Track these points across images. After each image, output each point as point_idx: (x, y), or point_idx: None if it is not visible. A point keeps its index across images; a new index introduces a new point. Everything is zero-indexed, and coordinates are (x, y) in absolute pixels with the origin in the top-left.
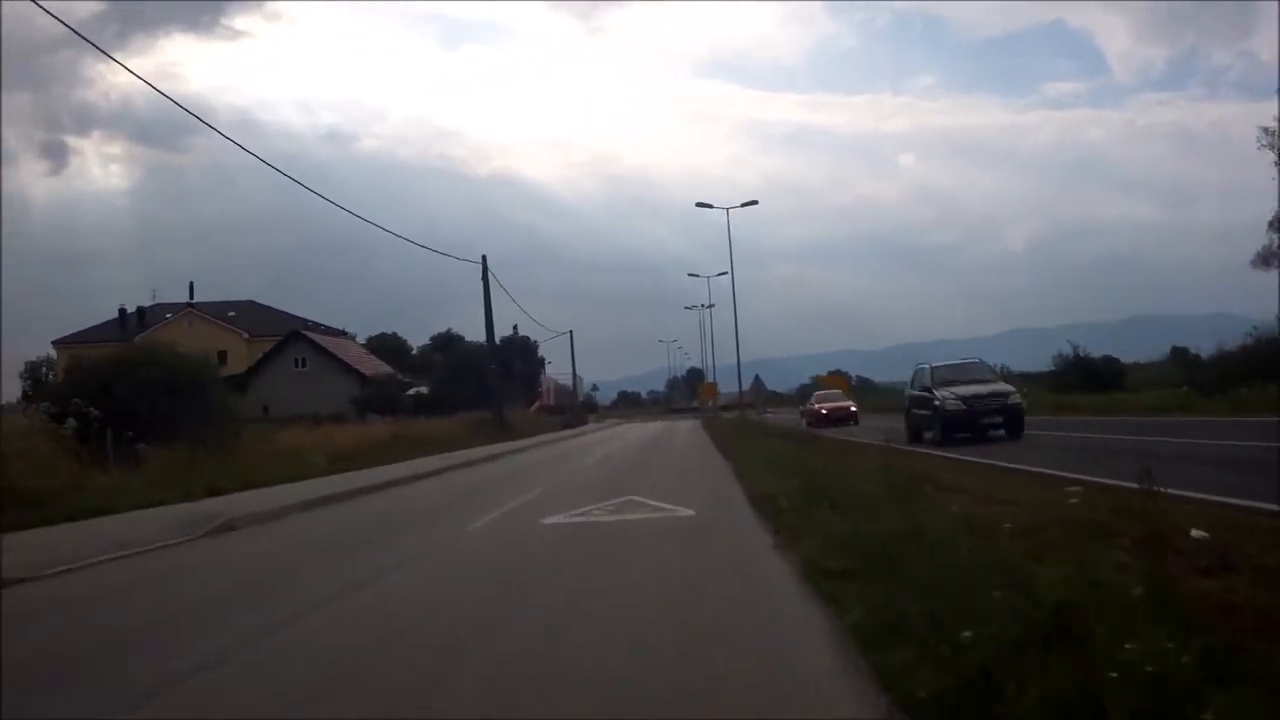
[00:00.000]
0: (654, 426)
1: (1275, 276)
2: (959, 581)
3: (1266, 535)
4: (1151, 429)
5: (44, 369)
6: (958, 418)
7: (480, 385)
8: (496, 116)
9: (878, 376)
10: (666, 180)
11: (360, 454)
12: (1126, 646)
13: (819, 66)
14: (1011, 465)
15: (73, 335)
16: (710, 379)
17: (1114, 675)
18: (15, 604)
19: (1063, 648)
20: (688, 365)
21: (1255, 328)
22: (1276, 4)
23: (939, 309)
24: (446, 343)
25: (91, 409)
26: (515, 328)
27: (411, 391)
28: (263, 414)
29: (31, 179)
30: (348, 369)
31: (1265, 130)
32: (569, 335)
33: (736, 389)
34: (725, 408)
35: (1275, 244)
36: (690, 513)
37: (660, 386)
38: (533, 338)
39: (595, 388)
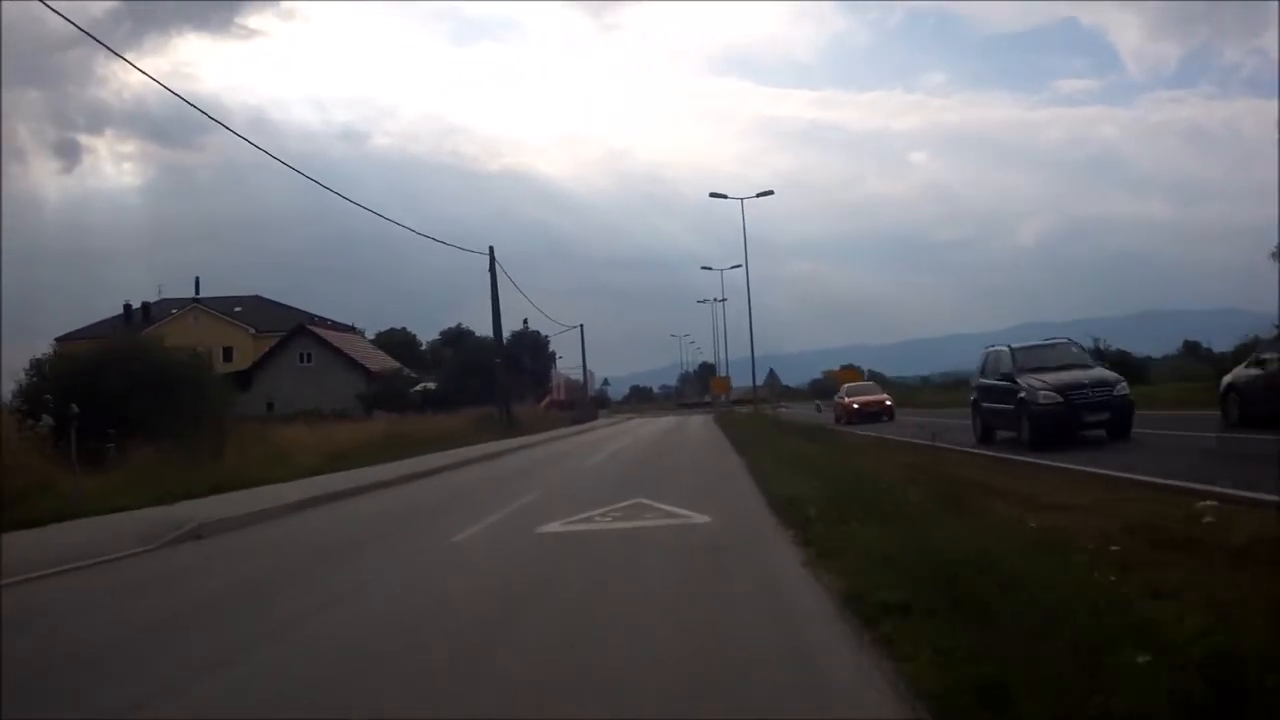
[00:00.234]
0: (665, 421)
1: None
2: (1063, 626)
3: None
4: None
5: (47, 367)
6: (1053, 415)
7: (489, 381)
8: (508, 113)
9: (889, 371)
10: (679, 177)
11: (357, 452)
12: None
13: (831, 64)
14: (1088, 469)
15: (77, 332)
16: (722, 373)
17: None
18: None
19: None
20: (700, 360)
21: None
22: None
23: (950, 304)
24: (456, 338)
25: (72, 405)
26: (525, 322)
27: (419, 387)
28: (267, 410)
29: (44, 177)
30: (354, 364)
31: None
32: (579, 329)
33: (749, 383)
34: (738, 402)
35: None
36: (705, 519)
37: (672, 381)
38: (543, 332)
39: (606, 382)
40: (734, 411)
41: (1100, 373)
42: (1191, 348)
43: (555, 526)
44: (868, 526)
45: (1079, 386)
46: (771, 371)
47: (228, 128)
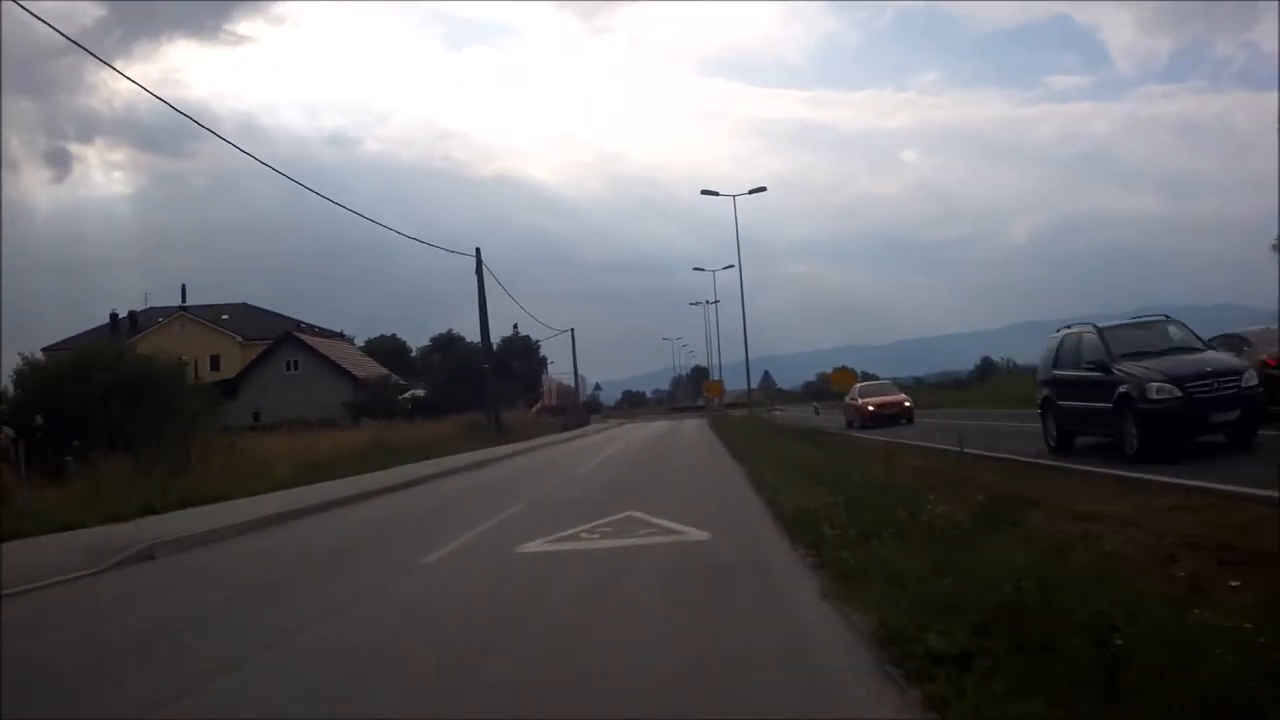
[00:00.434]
0: (657, 426)
1: None
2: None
3: None
4: None
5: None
6: (1170, 414)
7: (478, 387)
8: (501, 118)
9: (883, 372)
10: (672, 179)
11: (337, 463)
12: None
13: (822, 64)
14: (1154, 477)
15: (63, 341)
16: (715, 377)
17: None
18: None
19: None
20: (693, 363)
21: None
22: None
23: (943, 304)
24: (447, 344)
25: (36, 416)
26: (515, 327)
27: (407, 394)
28: (254, 420)
29: (35, 187)
30: (341, 372)
31: None
32: (570, 333)
33: (742, 386)
34: (731, 406)
35: None
36: (703, 536)
37: (665, 385)
38: (534, 337)
39: (598, 387)
40: (728, 415)
41: (1221, 358)
42: None
43: (537, 545)
44: (895, 546)
45: (1201, 376)
46: (766, 374)
47: (217, 134)
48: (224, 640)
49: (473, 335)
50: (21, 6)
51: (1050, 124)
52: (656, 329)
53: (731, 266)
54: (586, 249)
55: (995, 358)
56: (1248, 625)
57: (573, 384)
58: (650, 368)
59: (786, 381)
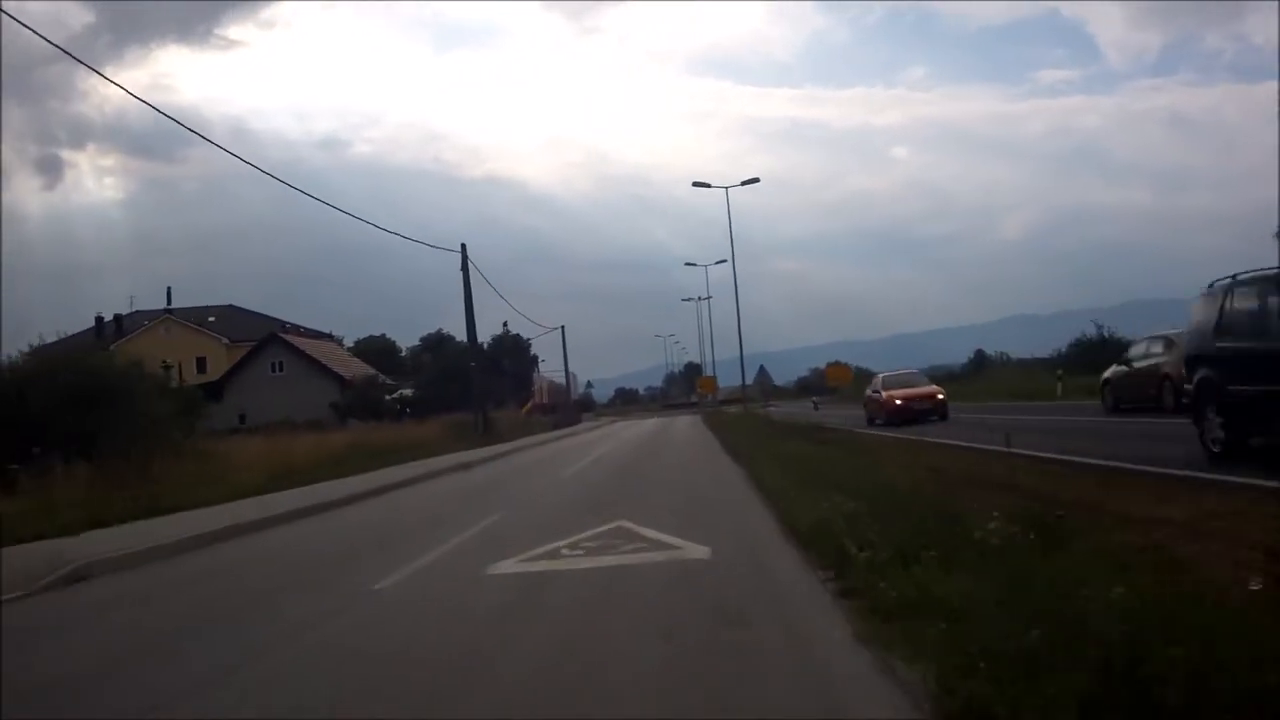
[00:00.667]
0: (651, 423)
1: None
2: None
3: None
4: None
5: None
6: None
7: (468, 386)
8: (490, 118)
9: (876, 367)
10: (662, 178)
11: (312, 467)
12: None
13: (811, 61)
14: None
15: (47, 346)
16: (708, 373)
17: None
18: None
19: None
20: (685, 360)
21: None
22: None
23: (935, 299)
24: (437, 343)
25: None
26: (505, 325)
27: (395, 394)
28: (239, 422)
29: (26, 194)
30: (327, 372)
31: None
32: (560, 331)
33: (735, 382)
34: (725, 402)
35: None
36: (703, 553)
37: (658, 383)
38: (524, 335)
39: (590, 385)
40: (722, 411)
41: None
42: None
43: (510, 565)
44: (940, 569)
45: None
46: (762, 369)
47: (207, 139)
48: (127, 695)
49: (463, 334)
50: (8, 15)
51: (1040, 119)
52: (649, 327)
53: (724, 261)
54: (578, 248)
55: (988, 351)
56: None
57: (564, 382)
58: (643, 365)
59: (779, 378)
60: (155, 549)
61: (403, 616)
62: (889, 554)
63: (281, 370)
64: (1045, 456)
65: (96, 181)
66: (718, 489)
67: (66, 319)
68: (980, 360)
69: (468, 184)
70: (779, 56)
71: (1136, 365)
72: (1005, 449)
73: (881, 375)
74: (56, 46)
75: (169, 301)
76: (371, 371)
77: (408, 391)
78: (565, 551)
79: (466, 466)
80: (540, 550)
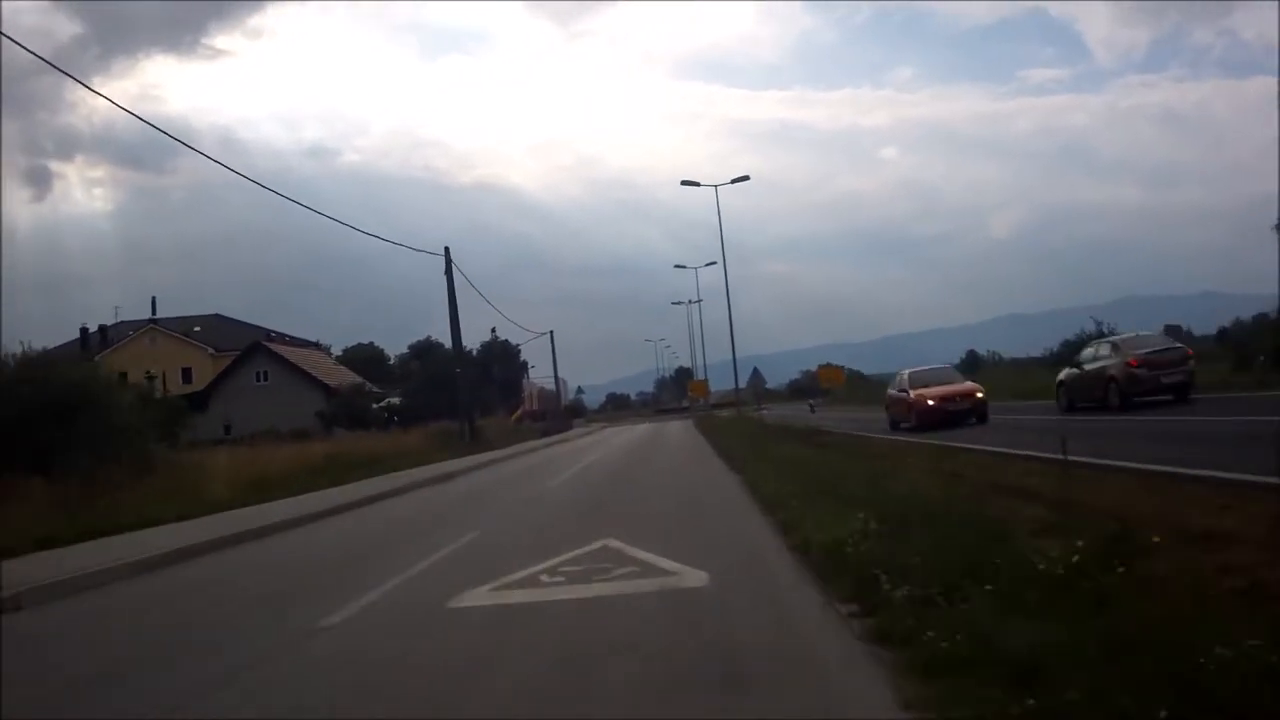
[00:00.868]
0: (642, 429)
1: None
2: None
3: None
4: None
5: None
6: None
7: (454, 393)
8: (479, 125)
9: (868, 369)
10: (651, 182)
11: (287, 479)
12: None
13: (800, 63)
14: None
15: (30, 356)
16: (700, 376)
17: None
18: None
19: None
20: (676, 365)
21: None
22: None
23: (926, 300)
24: (425, 350)
25: None
26: (494, 330)
27: (382, 403)
28: (224, 433)
29: (16, 206)
30: (313, 381)
31: None
32: (549, 336)
33: (726, 386)
34: (717, 406)
35: None
36: (700, 579)
37: (649, 387)
38: (513, 341)
39: (580, 390)
40: (714, 415)
41: None
42: (1172, 331)
43: (480, 595)
44: (996, 607)
45: None
46: (755, 371)
47: (195, 149)
48: None
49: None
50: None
51: (1028, 118)
52: (639, 332)
53: (714, 263)
54: (567, 253)
55: (980, 351)
56: None
57: (554, 388)
58: (634, 370)
59: (770, 380)
60: (102, 573)
61: (344, 665)
62: (921, 581)
63: (266, 380)
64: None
65: (85, 192)
66: (714, 501)
67: (56, 330)
68: (973, 361)
69: (457, 191)
70: (767, 58)
71: (1087, 368)
72: (1036, 454)
73: (907, 371)
74: (43, 60)
75: (154, 311)
76: (358, 380)
77: (395, 400)
78: (544, 578)
79: (448, 478)
80: (516, 576)
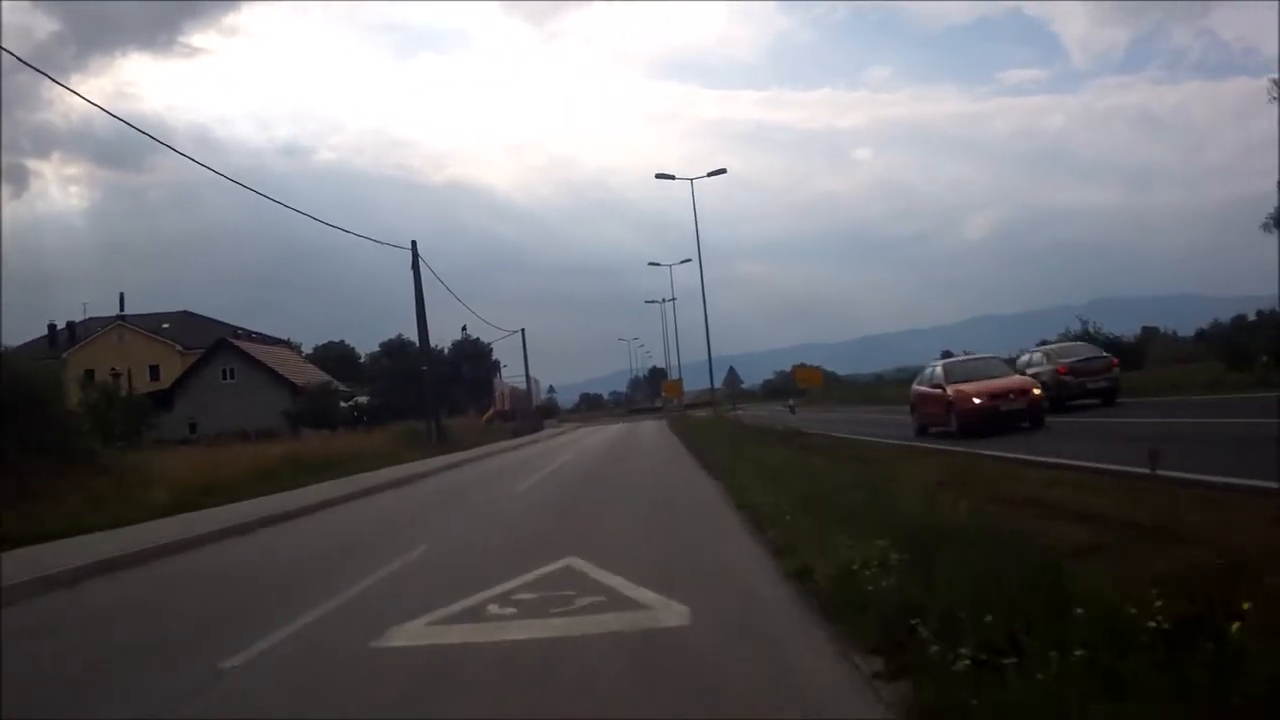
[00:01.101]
0: (615, 429)
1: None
2: None
3: None
4: None
5: None
6: None
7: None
8: (452, 124)
9: (843, 369)
10: (626, 182)
11: (237, 482)
12: None
13: (775, 63)
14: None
15: None
16: (674, 376)
17: None
18: None
19: None
20: (650, 364)
21: None
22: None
23: (902, 300)
24: (397, 349)
25: None
26: (464, 329)
27: (350, 402)
28: (190, 432)
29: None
30: (279, 379)
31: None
32: (521, 334)
33: (701, 386)
34: (691, 406)
35: None
36: (680, 617)
37: (623, 387)
38: (484, 340)
39: (552, 390)
40: (687, 416)
41: None
42: (1150, 333)
43: (412, 632)
44: (1092, 679)
45: None
46: (731, 370)
47: (171, 147)
48: None
49: None
50: None
51: (1005, 118)
52: (612, 332)
53: (689, 260)
54: (540, 253)
55: (955, 352)
56: None
57: (525, 387)
58: (607, 370)
59: (746, 380)
60: None
61: None
62: (979, 633)
63: (232, 377)
64: (1094, 467)
65: (62, 190)
66: (694, 513)
67: (30, 328)
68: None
69: (430, 190)
70: (743, 58)
71: (1026, 373)
72: (1034, 458)
73: (940, 363)
74: (19, 59)
75: (122, 308)
76: (325, 378)
77: (363, 399)
78: (494, 608)
79: (408, 481)
80: (461, 605)
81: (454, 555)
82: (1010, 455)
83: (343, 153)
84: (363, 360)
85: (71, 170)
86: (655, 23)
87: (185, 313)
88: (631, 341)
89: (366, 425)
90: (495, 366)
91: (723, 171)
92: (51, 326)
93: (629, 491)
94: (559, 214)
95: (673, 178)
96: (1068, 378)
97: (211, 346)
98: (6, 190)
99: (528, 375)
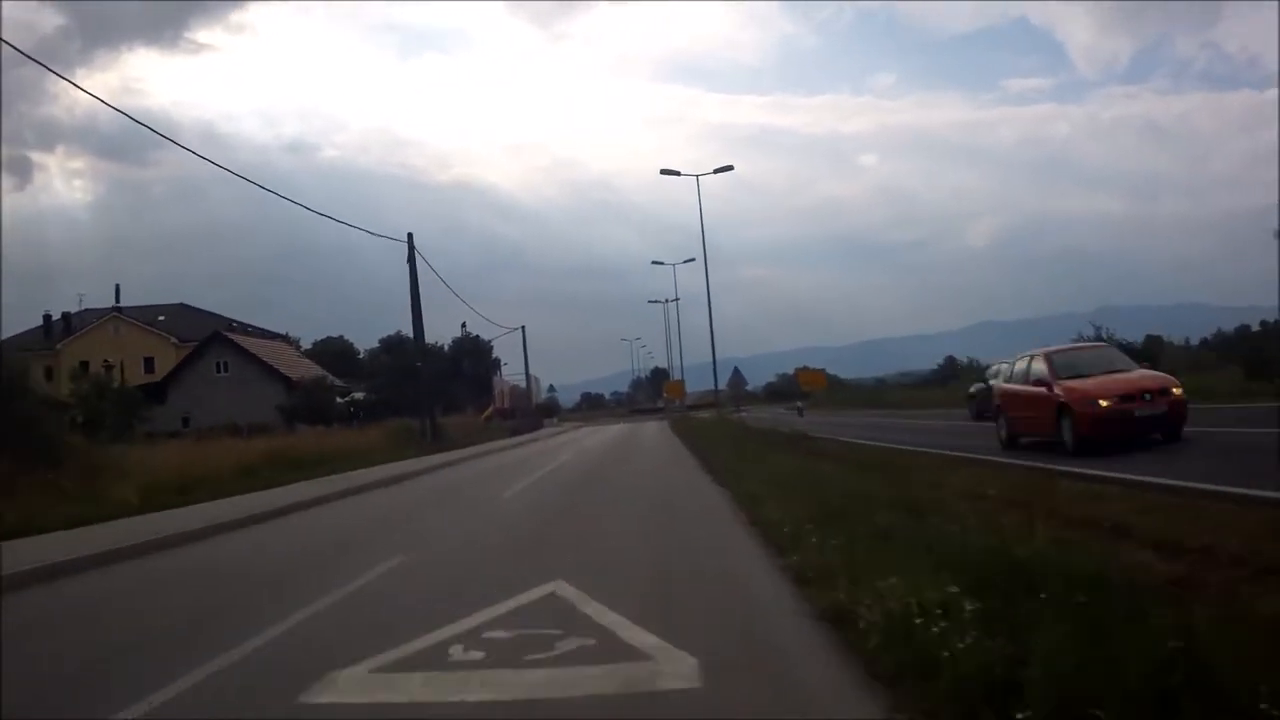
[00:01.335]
0: (616, 429)
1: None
2: None
3: None
4: None
5: None
6: None
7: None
8: (457, 124)
9: (845, 373)
10: (629, 184)
11: (213, 480)
12: None
13: (780, 68)
14: None
15: None
16: (676, 377)
17: None
18: None
19: None
20: (652, 365)
21: None
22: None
23: (905, 305)
24: (396, 345)
25: None
26: (464, 326)
27: (347, 398)
28: (183, 425)
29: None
30: (274, 373)
31: None
32: (521, 331)
33: (703, 387)
34: (693, 407)
35: None
36: (687, 673)
37: (624, 387)
38: (486, 338)
39: (552, 389)
40: (690, 417)
41: None
42: (1153, 341)
43: (353, 682)
44: None
45: None
46: (736, 370)
47: (175, 141)
48: None
49: (425, 336)
50: None
51: (1009, 127)
52: (614, 332)
53: (693, 260)
54: (544, 254)
55: (959, 357)
56: None
57: (525, 386)
58: (609, 370)
59: (749, 383)
60: None
61: None
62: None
63: (226, 371)
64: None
65: (66, 184)
66: (700, 527)
67: (29, 320)
68: (950, 367)
69: (434, 189)
70: (748, 62)
71: (992, 384)
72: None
73: (1043, 351)
74: (23, 54)
75: (118, 299)
76: (321, 373)
77: (359, 395)
78: (457, 651)
79: (394, 482)
80: (419, 645)
81: (425, 572)
82: (1048, 466)
83: (347, 151)
84: (362, 356)
85: (76, 164)
86: (660, 26)
87: (182, 305)
88: (634, 342)
89: (362, 421)
90: (495, 364)
91: (730, 168)
92: (47, 317)
93: (627, 499)
94: (563, 215)
95: (678, 174)
96: None
97: (206, 339)
98: (11, 183)
99: (527, 373)
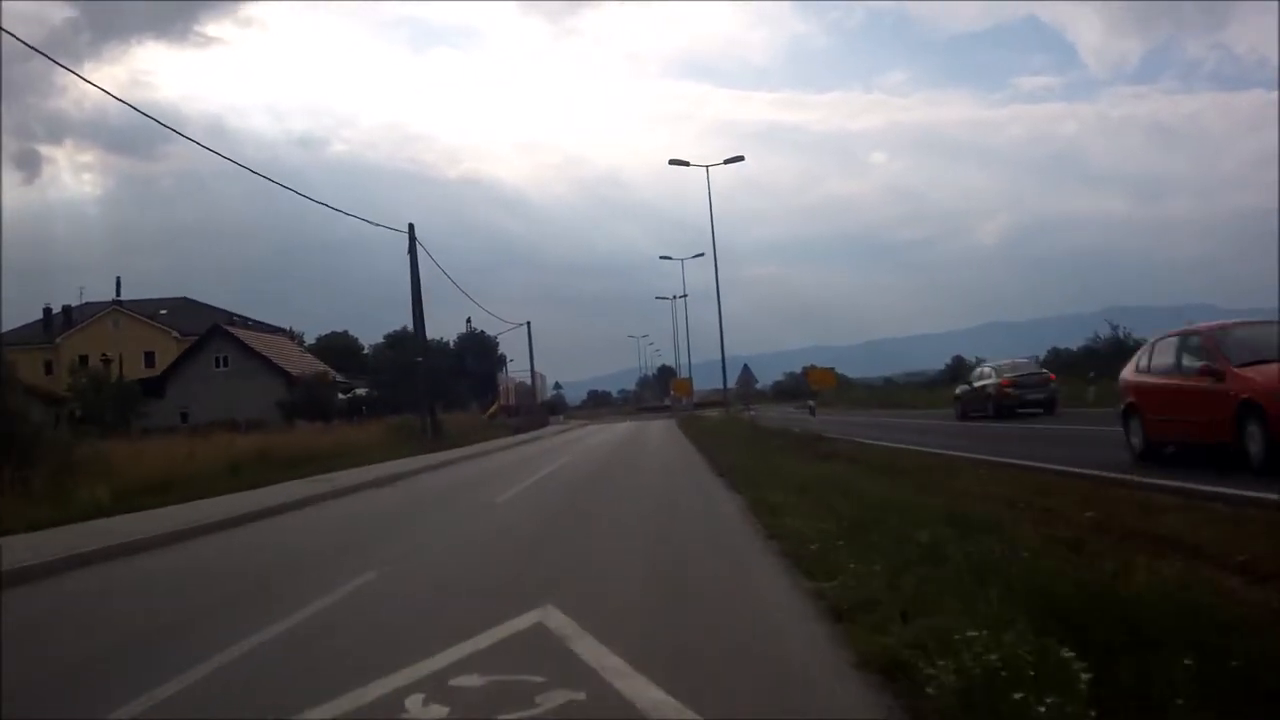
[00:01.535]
0: (622, 428)
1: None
2: None
3: None
4: None
5: None
6: None
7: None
8: (467, 120)
9: (852, 372)
10: (638, 181)
11: (194, 479)
12: None
13: (790, 65)
14: None
15: None
16: (683, 375)
17: None
18: None
19: None
20: (659, 363)
21: None
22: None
23: (912, 305)
24: (400, 340)
25: None
26: (469, 321)
27: (349, 393)
28: (181, 420)
29: (5, 189)
30: (274, 368)
31: None
32: (526, 327)
33: (710, 386)
34: (700, 405)
35: None
36: None
37: (631, 385)
38: (490, 333)
39: (559, 386)
40: (698, 416)
41: None
42: None
43: None
44: None
45: None
46: (745, 368)
47: (185, 135)
48: None
49: (430, 330)
50: None
51: (1019, 125)
52: (622, 330)
53: (701, 254)
54: (552, 250)
55: (966, 357)
56: None
57: (531, 383)
58: (616, 368)
59: (757, 381)
60: None
61: None
62: None
63: (226, 365)
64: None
65: (74, 177)
66: (712, 540)
67: (33, 313)
68: (957, 367)
69: (443, 184)
70: (757, 60)
71: (976, 385)
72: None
73: (1205, 328)
74: (33, 49)
75: (118, 293)
76: (323, 368)
77: (361, 390)
78: (414, 707)
79: (390, 481)
80: (370, 695)
81: (393, 596)
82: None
83: (355, 146)
84: (366, 351)
85: (85, 158)
86: (670, 23)
87: (184, 299)
88: (641, 339)
89: (364, 417)
90: (501, 361)
91: (740, 159)
92: (47, 310)
93: (631, 509)
94: (571, 211)
95: (687, 164)
96: (1010, 389)
97: (205, 333)
98: (20, 176)
99: (533, 370)
